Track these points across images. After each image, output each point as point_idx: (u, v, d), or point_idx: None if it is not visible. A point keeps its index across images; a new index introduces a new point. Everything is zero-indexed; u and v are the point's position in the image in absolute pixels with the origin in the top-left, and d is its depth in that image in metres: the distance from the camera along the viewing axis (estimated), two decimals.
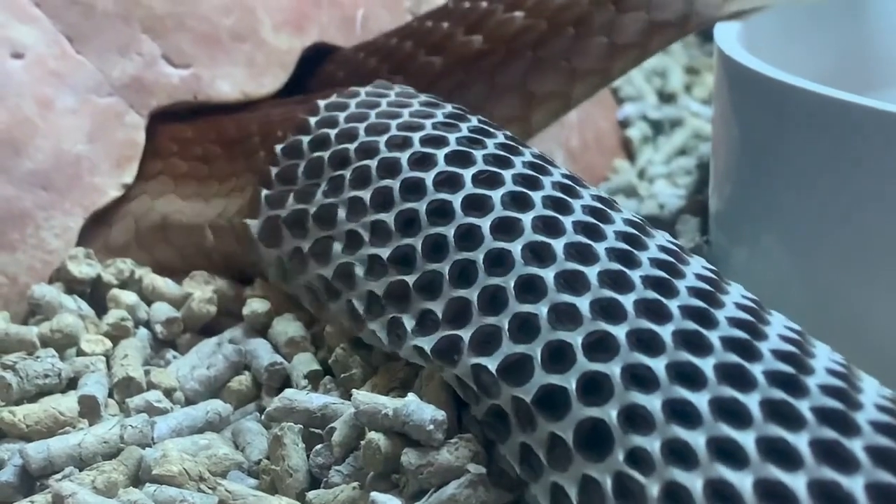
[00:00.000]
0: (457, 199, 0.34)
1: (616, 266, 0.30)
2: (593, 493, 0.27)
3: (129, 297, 0.41)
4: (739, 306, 0.30)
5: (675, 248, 0.32)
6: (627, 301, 0.29)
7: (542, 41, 0.46)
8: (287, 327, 0.39)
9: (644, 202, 0.57)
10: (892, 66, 0.54)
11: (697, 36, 0.75)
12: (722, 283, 0.31)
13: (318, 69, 0.52)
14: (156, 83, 0.46)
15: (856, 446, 0.25)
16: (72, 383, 0.37)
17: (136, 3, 0.46)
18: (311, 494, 0.31)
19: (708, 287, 0.30)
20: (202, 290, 0.41)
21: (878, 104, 0.35)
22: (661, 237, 0.33)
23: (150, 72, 0.46)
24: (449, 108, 0.39)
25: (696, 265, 0.32)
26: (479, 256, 0.32)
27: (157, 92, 0.46)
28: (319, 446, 0.32)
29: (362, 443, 0.31)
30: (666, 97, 0.71)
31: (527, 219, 0.32)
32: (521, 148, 0.36)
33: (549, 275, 0.30)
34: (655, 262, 0.31)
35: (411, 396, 0.31)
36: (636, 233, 0.32)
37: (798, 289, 0.39)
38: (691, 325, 0.28)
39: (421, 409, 0.30)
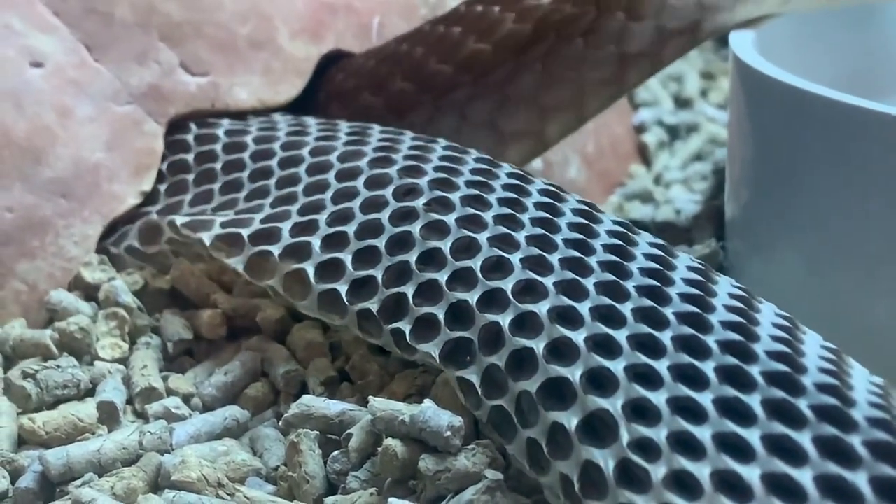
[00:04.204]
0: (450, 218, 0.34)
1: (610, 260, 0.32)
2: (595, 477, 0.27)
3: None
4: (729, 308, 0.30)
5: (661, 245, 0.34)
6: (625, 308, 0.30)
7: (551, 52, 0.45)
8: (305, 334, 0.39)
9: (660, 207, 0.57)
10: None
11: (713, 41, 0.75)
12: (711, 274, 0.32)
13: (325, 78, 0.52)
14: (174, 91, 0.46)
15: (855, 442, 0.26)
16: (90, 389, 0.38)
17: (154, 12, 0.47)
18: (328, 500, 0.31)
19: (697, 291, 0.31)
20: (210, 315, 0.40)
21: (892, 109, 0.35)
22: (647, 237, 0.34)
23: (167, 80, 0.46)
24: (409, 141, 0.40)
25: (684, 262, 0.33)
26: (477, 263, 0.33)
27: (175, 100, 0.46)
28: (336, 452, 0.32)
29: (379, 449, 0.31)
30: (682, 102, 0.70)
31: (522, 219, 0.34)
32: (499, 163, 0.37)
33: (548, 282, 0.31)
34: (645, 268, 0.32)
35: (428, 403, 0.31)
36: (624, 231, 0.34)
37: (814, 294, 0.39)
38: (687, 331, 0.29)
39: (438, 416, 0.30)
